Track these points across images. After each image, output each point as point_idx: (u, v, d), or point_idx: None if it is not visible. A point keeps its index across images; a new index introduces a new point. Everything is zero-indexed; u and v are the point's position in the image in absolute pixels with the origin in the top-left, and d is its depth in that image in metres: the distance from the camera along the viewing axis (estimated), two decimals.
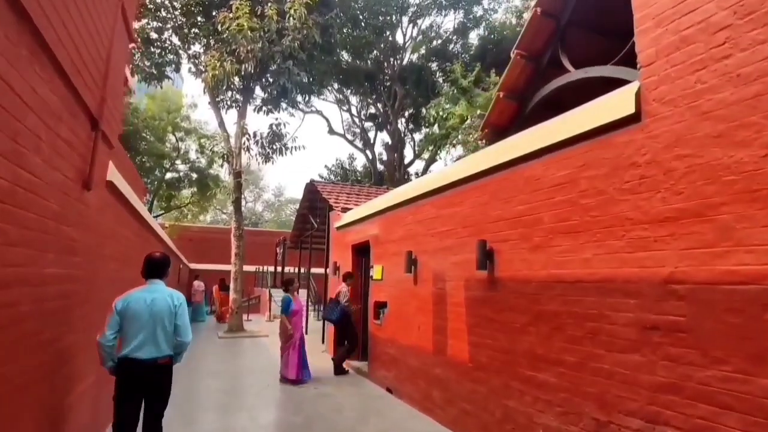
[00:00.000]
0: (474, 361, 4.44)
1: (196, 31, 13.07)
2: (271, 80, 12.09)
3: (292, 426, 4.96)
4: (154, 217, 17.57)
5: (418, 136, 23.62)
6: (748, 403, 2.22)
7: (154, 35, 13.17)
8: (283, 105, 14.07)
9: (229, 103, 13.15)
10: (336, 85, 22.02)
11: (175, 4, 12.78)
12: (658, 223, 2.73)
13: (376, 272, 7.10)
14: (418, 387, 5.46)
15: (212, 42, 12.25)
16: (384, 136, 23.90)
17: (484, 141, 10.80)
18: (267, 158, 12.74)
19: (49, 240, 2.55)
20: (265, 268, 20.74)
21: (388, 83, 22.04)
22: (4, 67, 1.81)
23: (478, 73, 12.92)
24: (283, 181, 59.34)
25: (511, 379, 3.89)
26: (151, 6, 12.52)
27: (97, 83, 3.11)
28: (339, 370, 7.39)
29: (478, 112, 9.48)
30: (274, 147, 12.73)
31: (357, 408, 5.58)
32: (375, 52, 21.24)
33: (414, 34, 21.75)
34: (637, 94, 2.92)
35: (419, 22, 21.39)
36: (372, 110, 24.03)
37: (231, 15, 10.64)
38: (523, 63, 4.92)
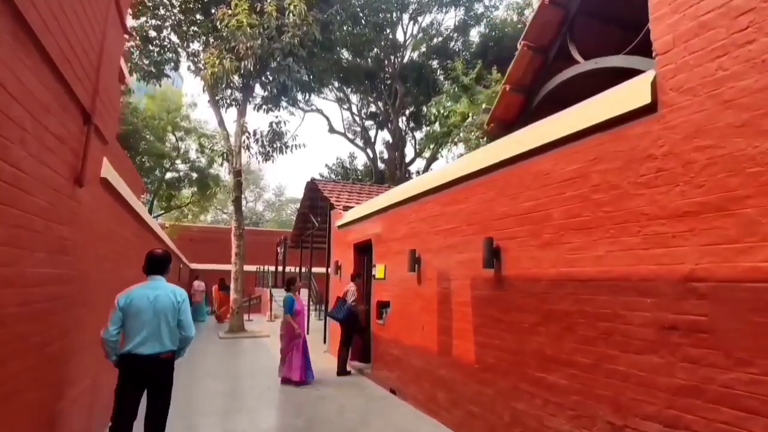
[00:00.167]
0: (480, 362, 4.32)
1: (195, 29, 12.95)
2: (270, 78, 11.96)
3: (293, 429, 4.84)
4: (154, 217, 17.49)
5: (419, 135, 23.51)
6: None
7: (152, 33, 13.05)
8: (283, 103, 13.96)
9: (228, 101, 13.03)
10: (336, 84, 21.89)
11: (173, 1, 12.66)
12: (677, 218, 2.60)
13: (378, 271, 6.97)
14: (422, 388, 5.34)
15: (211, 40, 12.13)
16: (385, 135, 23.80)
17: (485, 139, 10.75)
18: (267, 157, 12.62)
19: (38, 238, 2.43)
20: (266, 267, 20.64)
21: (389, 81, 21.90)
22: None
23: (480, 71, 12.80)
24: (284, 181, 59.36)
25: (519, 380, 3.76)
26: (150, 4, 12.40)
27: (89, 75, 2.99)
28: (342, 371, 7.27)
29: (484, 106, 9.35)
30: (275, 145, 12.61)
31: (359, 410, 5.46)
32: (375, 50, 21.10)
33: (414, 32, 21.63)
34: (653, 84, 2.79)
35: (420, 19, 21.25)
36: (372, 108, 23.90)
37: (230, 12, 10.52)
38: (531, 54, 4.78)
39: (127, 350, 3.13)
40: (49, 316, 2.71)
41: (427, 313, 5.37)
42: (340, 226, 9.20)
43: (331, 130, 23.88)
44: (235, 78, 11.37)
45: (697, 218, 2.50)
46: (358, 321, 7.35)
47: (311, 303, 15.09)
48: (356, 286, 7.50)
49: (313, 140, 39.25)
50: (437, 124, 15.48)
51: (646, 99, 2.81)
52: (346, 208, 9.29)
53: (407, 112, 22.57)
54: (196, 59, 13.28)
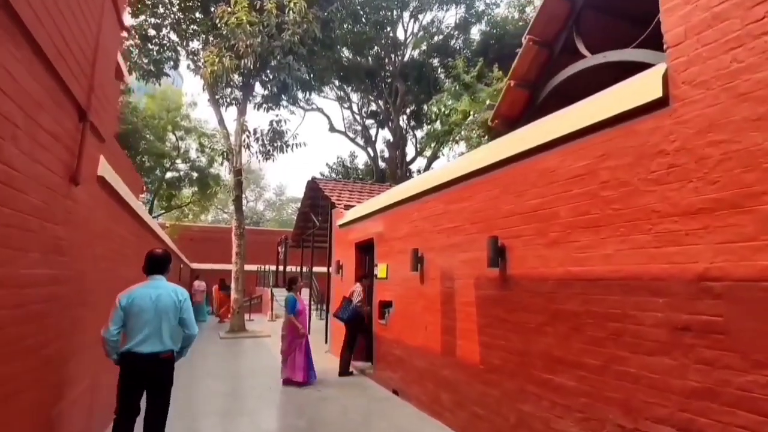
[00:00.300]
0: (485, 363, 4.24)
1: (195, 27, 12.87)
2: (270, 76, 11.88)
3: (294, 431, 4.77)
4: (154, 217, 17.43)
5: (419, 134, 23.42)
6: None
7: (152, 32, 12.97)
8: (284, 102, 13.88)
9: (228, 100, 12.96)
10: (337, 82, 21.81)
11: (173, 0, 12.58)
12: (690, 215, 2.52)
13: (380, 271, 6.90)
14: (425, 389, 5.26)
15: (211, 38, 12.05)
16: (385, 134, 23.73)
17: (486, 137, 10.67)
18: (267, 156, 12.54)
19: (32, 238, 2.36)
20: (267, 267, 20.58)
21: (389, 80, 21.81)
22: None
23: (481, 68, 12.71)
24: (285, 180, 59.30)
25: (525, 382, 3.69)
26: (149, 2, 12.32)
27: (84, 70, 2.91)
28: (344, 372, 7.20)
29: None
30: (275, 144, 12.53)
31: (362, 411, 5.39)
32: (376, 48, 21.01)
33: (415, 30, 21.54)
34: (665, 77, 2.71)
35: (420, 17, 21.17)
36: (373, 107, 23.82)
37: (229, 9, 10.44)
38: (536, 49, 4.69)
39: (127, 348, 3.15)
40: (45, 318, 2.64)
41: (430, 313, 5.30)
42: (341, 225, 9.12)
43: (332, 129, 23.80)
44: (235, 76, 11.30)
45: (712, 215, 2.42)
46: (363, 322, 7.27)
47: (312, 303, 15.03)
48: (362, 287, 7.42)
49: (314, 139, 39.29)
50: (438, 122, 15.39)
51: (657, 93, 2.72)
52: (348, 207, 9.22)
53: (408, 110, 22.48)
54: (195, 58, 13.20)
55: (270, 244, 22.02)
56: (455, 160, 5.68)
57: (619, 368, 2.87)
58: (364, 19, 19.19)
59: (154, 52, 13.11)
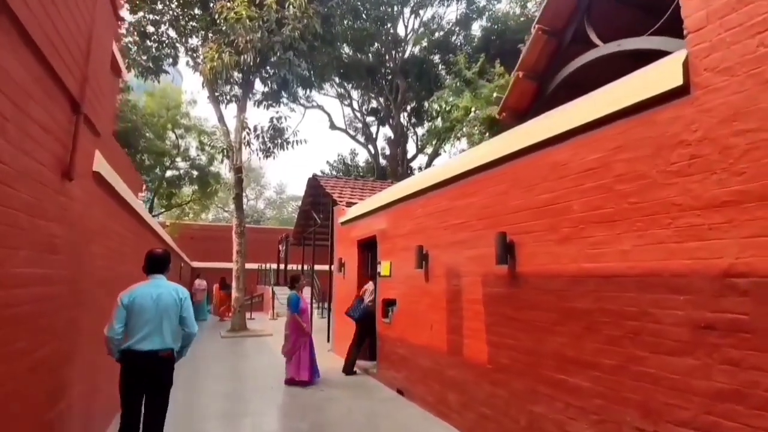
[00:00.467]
0: (493, 363, 4.13)
1: (194, 23, 12.72)
2: (271, 72, 11.74)
3: None
4: (154, 216, 17.32)
5: (420, 131, 23.28)
6: None
7: (150, 29, 12.82)
8: (284, 99, 13.74)
9: (228, 97, 12.84)
10: (337, 79, 21.64)
11: None
12: (714, 208, 2.40)
13: (383, 268, 6.78)
14: (431, 389, 5.15)
15: (210, 34, 11.91)
16: (386, 131, 23.58)
17: (487, 134, 10.53)
18: (268, 153, 12.42)
19: (21, 235, 2.23)
20: (268, 265, 20.48)
21: (390, 77, 21.65)
22: None
23: (483, 64, 12.56)
24: (285, 179, 59.18)
25: (536, 382, 3.57)
26: None
27: (77, 60, 2.79)
28: (349, 370, 7.11)
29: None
30: (276, 141, 12.41)
31: (367, 412, 5.27)
32: (376, 44, 20.85)
33: (415, 26, 21.37)
34: (685, 64, 2.58)
35: (421, 12, 21.01)
36: (374, 104, 23.66)
37: (229, 5, 10.30)
38: (545, 39, 4.55)
39: (127, 346, 3.15)
40: (38, 319, 2.53)
41: (435, 312, 5.18)
42: (343, 223, 9.00)
43: (332, 126, 23.65)
44: (235, 73, 11.16)
45: (738, 208, 2.29)
46: (374, 321, 7.15)
47: (314, 301, 14.92)
48: (375, 286, 7.30)
49: (314, 137, 39.13)
50: (439, 119, 15.25)
51: (677, 80, 2.60)
52: (349, 204, 9.09)
53: (409, 107, 22.33)
54: (195, 54, 13.07)
55: (271, 243, 21.91)
56: (461, 155, 5.55)
57: (637, 368, 2.75)
58: (364, 15, 19.02)
59: (153, 49, 12.96)
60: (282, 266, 20.08)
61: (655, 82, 2.74)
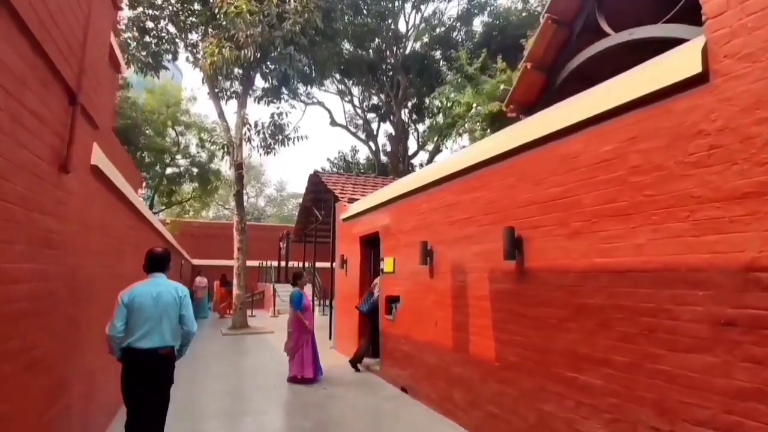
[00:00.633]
0: (501, 360, 4.05)
1: (193, 19, 12.59)
2: (271, 67, 11.62)
3: None
4: (154, 213, 17.25)
5: (422, 127, 23.16)
6: None
7: (149, 24, 12.69)
8: (284, 96, 13.63)
9: (228, 93, 12.71)
10: (338, 76, 21.50)
11: None
12: (735, 200, 2.31)
13: (386, 265, 6.70)
14: (436, 387, 5.07)
15: (210, 29, 11.78)
16: (387, 127, 23.46)
17: (488, 130, 10.43)
18: (269, 149, 12.31)
19: (16, 229, 2.15)
20: (269, 263, 20.41)
21: (391, 73, 21.52)
22: None
23: (485, 60, 12.44)
24: (285, 177, 58.94)
25: (546, 380, 3.49)
26: None
27: (73, 49, 2.69)
28: (356, 362, 7.10)
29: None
30: (276, 138, 12.30)
31: (371, 410, 5.20)
32: (377, 40, 20.71)
33: (417, 22, 21.23)
34: (704, 51, 2.49)
35: (422, 8, 20.86)
36: (375, 101, 23.53)
37: None
38: (554, 28, 4.44)
39: (127, 344, 3.16)
40: (33, 317, 2.44)
41: (440, 308, 5.10)
42: (345, 219, 8.91)
43: (333, 123, 23.52)
44: (235, 69, 11.04)
45: (761, 200, 2.21)
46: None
47: (315, 298, 14.86)
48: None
49: (315, 134, 38.79)
50: (441, 115, 15.14)
51: (695, 68, 2.50)
52: (351, 201, 9.01)
53: (410, 103, 22.21)
54: (194, 50, 12.94)
55: (272, 240, 21.83)
56: (466, 149, 5.46)
57: (653, 366, 2.67)
58: (365, 11, 18.89)
59: (152, 45, 12.83)
60: (283, 263, 20.01)
61: (672, 71, 2.65)
